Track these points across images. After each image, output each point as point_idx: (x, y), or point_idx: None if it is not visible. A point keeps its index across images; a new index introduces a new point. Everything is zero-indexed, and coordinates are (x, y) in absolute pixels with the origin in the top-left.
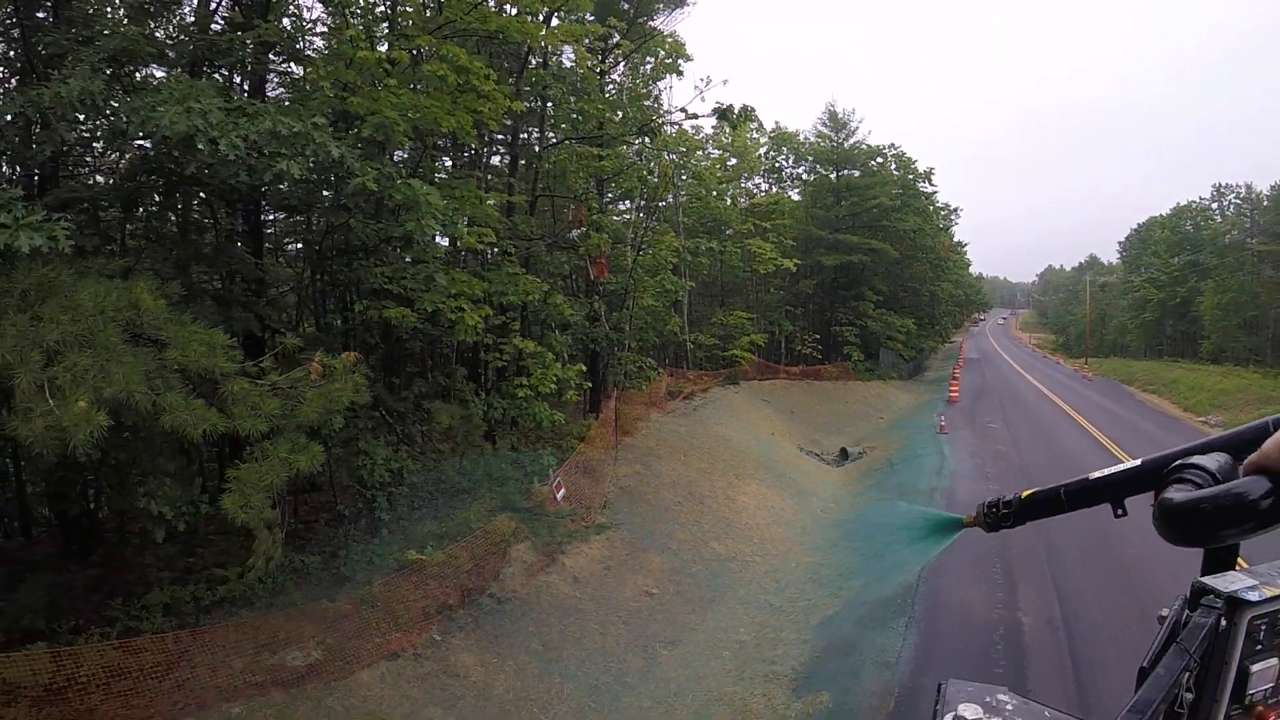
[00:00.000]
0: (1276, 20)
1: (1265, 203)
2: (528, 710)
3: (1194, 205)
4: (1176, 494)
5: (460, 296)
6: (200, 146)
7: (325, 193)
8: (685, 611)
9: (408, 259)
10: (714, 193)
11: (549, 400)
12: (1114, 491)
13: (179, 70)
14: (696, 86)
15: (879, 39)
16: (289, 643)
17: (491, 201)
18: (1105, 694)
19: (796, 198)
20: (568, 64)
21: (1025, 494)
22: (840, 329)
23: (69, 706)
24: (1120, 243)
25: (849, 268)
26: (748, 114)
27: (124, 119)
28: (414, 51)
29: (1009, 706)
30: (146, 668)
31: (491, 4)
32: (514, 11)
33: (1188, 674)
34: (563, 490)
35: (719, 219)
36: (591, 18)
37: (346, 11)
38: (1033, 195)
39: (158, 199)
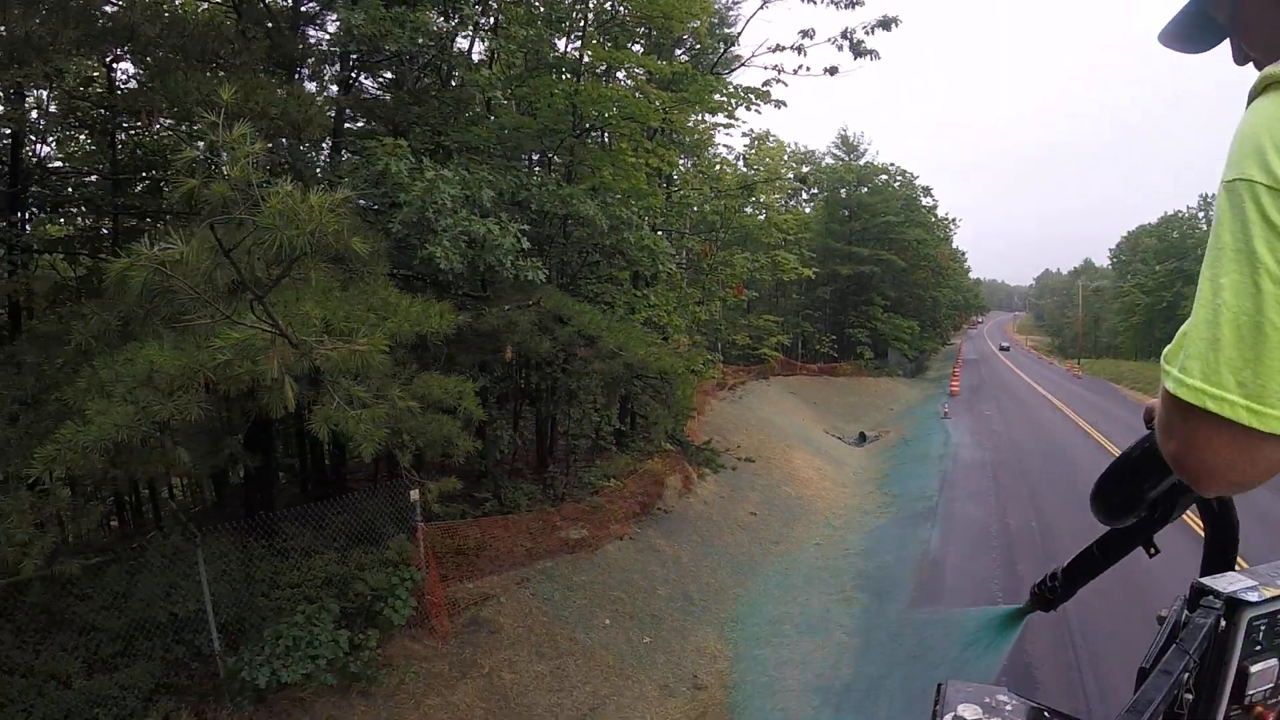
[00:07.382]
0: None
1: None
2: (705, 570)
3: (1180, 215)
4: None
5: (657, 308)
6: (597, 222)
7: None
8: (778, 525)
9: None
10: (762, 216)
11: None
12: (1139, 534)
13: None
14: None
15: (884, 49)
16: (560, 529)
17: None
18: (1058, 546)
19: (808, 211)
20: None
21: (1066, 566)
22: (853, 330)
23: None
24: (1111, 249)
25: (860, 276)
26: (816, 171)
27: (557, 201)
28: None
29: (1008, 706)
30: (467, 548)
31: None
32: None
33: (1187, 674)
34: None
35: (750, 235)
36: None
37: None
38: (1032, 196)
39: None
